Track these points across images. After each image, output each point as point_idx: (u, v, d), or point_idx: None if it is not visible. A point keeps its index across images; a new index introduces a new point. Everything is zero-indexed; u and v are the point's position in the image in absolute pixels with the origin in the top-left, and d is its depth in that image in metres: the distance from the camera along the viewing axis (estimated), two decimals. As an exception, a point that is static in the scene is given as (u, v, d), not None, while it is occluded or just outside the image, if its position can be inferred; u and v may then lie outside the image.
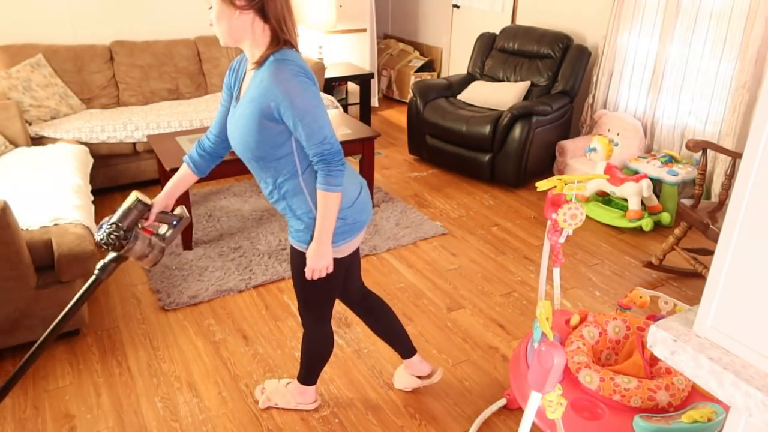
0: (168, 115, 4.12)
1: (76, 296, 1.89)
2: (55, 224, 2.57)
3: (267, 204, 3.91)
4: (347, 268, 2.02)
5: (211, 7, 1.63)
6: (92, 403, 2.30)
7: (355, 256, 2.04)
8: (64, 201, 2.79)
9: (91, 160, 3.63)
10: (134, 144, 3.94)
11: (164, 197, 1.91)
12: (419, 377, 2.36)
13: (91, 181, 3.83)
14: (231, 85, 1.84)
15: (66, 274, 2.41)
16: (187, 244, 3.33)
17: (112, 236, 1.80)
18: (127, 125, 3.90)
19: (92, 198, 3.12)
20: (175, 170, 3.12)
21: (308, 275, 1.80)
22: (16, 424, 2.18)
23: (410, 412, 2.28)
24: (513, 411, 2.28)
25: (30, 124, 3.81)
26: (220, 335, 2.69)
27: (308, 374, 2.19)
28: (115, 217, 1.81)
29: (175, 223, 1.92)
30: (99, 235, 1.82)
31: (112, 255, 1.86)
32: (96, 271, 1.88)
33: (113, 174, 3.99)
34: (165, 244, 1.91)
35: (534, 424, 1.63)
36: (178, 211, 1.95)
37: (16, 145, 3.56)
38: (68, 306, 1.88)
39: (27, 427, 2.18)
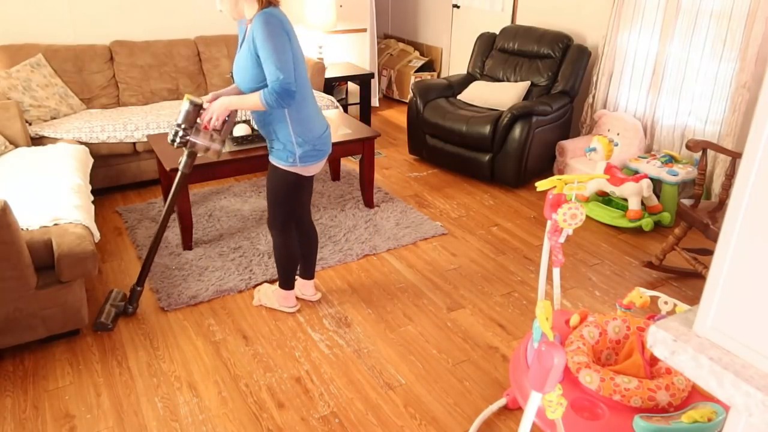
0: (168, 115, 4.12)
1: (170, 194, 2.61)
2: (55, 224, 2.57)
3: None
4: (305, 188, 2.54)
5: None
6: (92, 403, 2.30)
7: (310, 183, 2.56)
8: (64, 201, 2.79)
9: (91, 160, 3.63)
10: (134, 144, 3.94)
11: (213, 96, 2.43)
12: (303, 294, 2.88)
13: (91, 181, 3.84)
14: (240, 39, 2.37)
15: (66, 274, 2.41)
16: (187, 244, 3.33)
17: (178, 134, 2.29)
18: (127, 125, 3.90)
19: (92, 198, 3.12)
20: (175, 170, 3.13)
21: (204, 117, 2.30)
22: (16, 424, 2.18)
23: (410, 412, 2.28)
24: (513, 411, 2.29)
25: (30, 124, 3.81)
26: (220, 335, 2.69)
27: (286, 279, 2.71)
28: (177, 120, 2.33)
29: (226, 118, 2.38)
30: (170, 138, 2.35)
31: (185, 153, 2.47)
32: (179, 171, 2.55)
33: (113, 174, 3.99)
34: (222, 137, 2.39)
35: (534, 424, 1.63)
36: None
37: (16, 145, 3.56)
38: (168, 202, 2.63)
39: (27, 427, 2.18)
